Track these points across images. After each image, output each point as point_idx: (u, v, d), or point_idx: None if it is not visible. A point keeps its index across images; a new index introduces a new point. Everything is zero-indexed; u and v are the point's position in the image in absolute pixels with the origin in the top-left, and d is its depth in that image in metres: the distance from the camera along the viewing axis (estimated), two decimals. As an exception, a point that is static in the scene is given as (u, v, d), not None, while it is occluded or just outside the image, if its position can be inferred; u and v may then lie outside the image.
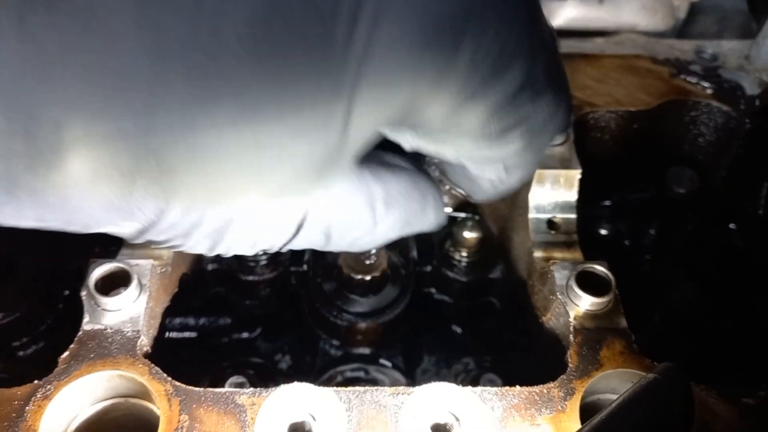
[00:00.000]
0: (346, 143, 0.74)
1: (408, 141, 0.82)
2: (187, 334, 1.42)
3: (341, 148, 0.74)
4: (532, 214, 1.19)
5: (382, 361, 1.34)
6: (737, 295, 1.29)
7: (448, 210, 1.42)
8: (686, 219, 1.40)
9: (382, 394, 0.92)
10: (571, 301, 1.02)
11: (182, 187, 0.70)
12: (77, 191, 0.67)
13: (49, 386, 0.90)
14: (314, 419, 0.89)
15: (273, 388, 0.91)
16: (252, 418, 0.89)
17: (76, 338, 0.94)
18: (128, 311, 0.98)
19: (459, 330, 1.42)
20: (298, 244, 0.87)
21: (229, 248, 0.82)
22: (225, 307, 1.40)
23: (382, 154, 0.90)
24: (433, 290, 1.40)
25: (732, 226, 1.39)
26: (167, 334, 1.37)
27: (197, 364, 1.34)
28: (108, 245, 1.33)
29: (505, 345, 1.35)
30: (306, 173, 0.75)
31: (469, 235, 1.33)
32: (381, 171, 0.88)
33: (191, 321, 1.43)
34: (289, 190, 0.77)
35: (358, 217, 0.87)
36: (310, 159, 0.73)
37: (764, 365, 1.19)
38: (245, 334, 1.43)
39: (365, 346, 1.35)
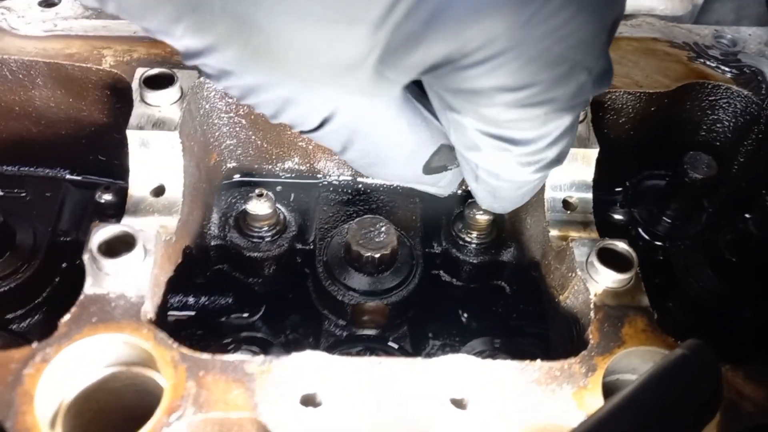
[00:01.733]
0: (389, 56, 0.72)
1: (440, 94, 0.80)
2: (187, 313, 1.38)
3: (385, 61, 0.73)
4: (548, 193, 1.15)
5: (390, 343, 1.30)
6: (755, 282, 1.25)
7: (459, 190, 1.39)
8: (702, 206, 1.37)
9: (399, 364, 0.88)
10: (591, 277, 0.99)
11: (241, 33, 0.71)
12: None
13: (48, 349, 0.85)
14: (327, 389, 0.86)
15: (283, 357, 0.87)
16: (261, 387, 0.85)
17: (77, 302, 0.90)
18: (132, 276, 0.93)
19: (467, 313, 1.38)
20: (319, 137, 0.87)
21: (257, 103, 0.82)
22: (228, 285, 1.36)
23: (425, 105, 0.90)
24: (441, 272, 1.37)
25: (747, 215, 1.36)
26: (168, 313, 1.33)
27: (198, 342, 1.30)
28: (107, 218, 1.30)
29: (515, 328, 1.32)
30: (339, 71, 0.75)
31: (481, 216, 1.29)
32: (419, 113, 0.89)
33: (191, 300, 1.38)
34: (323, 78, 0.77)
35: (384, 136, 0.88)
36: (347, 60, 0.73)
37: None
38: (247, 314, 1.39)
39: (371, 328, 1.31)
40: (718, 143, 1.36)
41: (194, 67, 1.17)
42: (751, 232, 1.32)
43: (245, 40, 0.71)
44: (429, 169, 0.97)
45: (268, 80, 0.78)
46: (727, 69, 1.32)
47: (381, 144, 0.90)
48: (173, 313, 1.36)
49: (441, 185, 1.02)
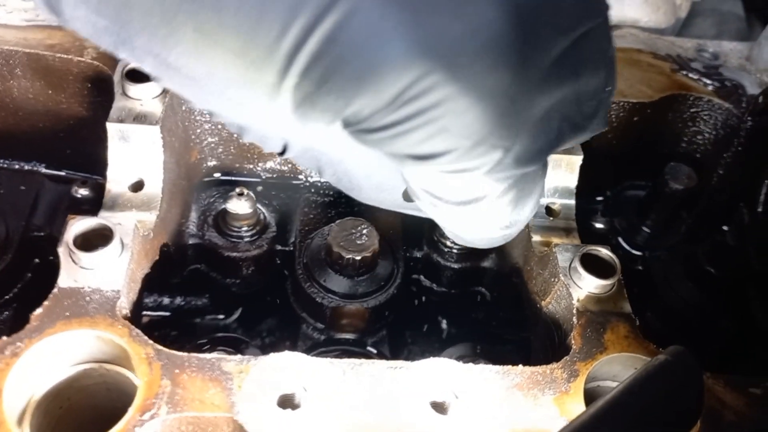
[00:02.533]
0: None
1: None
2: (162, 314, 1.35)
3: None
4: (531, 199, 1.15)
5: (369, 348, 1.29)
6: (733, 294, 1.26)
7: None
8: (681, 217, 1.38)
9: (379, 367, 0.87)
10: (575, 283, 0.99)
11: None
12: None
13: (19, 343, 0.83)
14: (305, 390, 0.84)
15: (263, 356, 0.85)
16: (239, 387, 0.83)
17: (50, 295, 0.88)
18: (108, 270, 0.91)
19: (447, 319, 1.37)
20: (291, 160, 0.86)
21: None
22: (204, 285, 1.33)
23: None
24: (421, 277, 1.36)
25: (725, 227, 1.38)
26: (142, 312, 1.30)
27: (172, 343, 1.28)
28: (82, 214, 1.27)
29: (495, 335, 1.31)
30: (269, 110, 0.69)
31: (463, 221, 1.29)
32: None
33: (166, 300, 1.36)
34: (256, 112, 0.71)
35: (351, 166, 0.84)
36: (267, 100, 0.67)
37: (760, 365, 1.17)
38: (223, 316, 1.36)
39: (350, 332, 1.29)
40: (698, 155, 1.38)
41: None
42: (729, 244, 1.34)
43: (174, 78, 0.68)
44: (408, 197, 0.94)
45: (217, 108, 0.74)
46: (709, 81, 1.33)
47: (351, 172, 0.86)
48: (147, 313, 1.33)
49: (423, 209, 0.98)
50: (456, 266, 1.32)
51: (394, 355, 1.30)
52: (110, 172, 1.07)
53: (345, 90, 0.63)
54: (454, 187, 0.73)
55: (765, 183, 1.22)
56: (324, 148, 0.82)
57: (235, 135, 0.80)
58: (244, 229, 1.27)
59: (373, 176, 0.87)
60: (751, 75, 1.35)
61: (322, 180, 0.93)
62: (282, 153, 0.82)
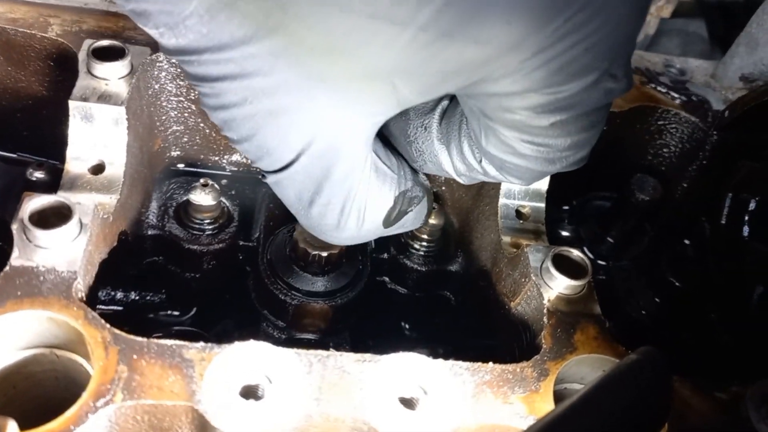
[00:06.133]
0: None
1: (470, 100, 0.82)
2: (114, 308, 1.29)
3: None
4: (502, 201, 1.14)
5: (330, 349, 1.25)
6: (693, 305, 1.28)
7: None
8: (645, 228, 1.40)
9: (347, 359, 0.84)
10: (546, 283, 0.98)
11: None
12: None
13: (-36, 323, 0.78)
14: (270, 382, 0.81)
15: (226, 345, 0.82)
16: (200, 375, 0.79)
17: (1, 273, 0.83)
18: (65, 250, 0.87)
19: (410, 322, 1.35)
20: (290, 175, 0.86)
21: (249, 113, 0.80)
22: (161, 279, 1.28)
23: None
24: (387, 279, 1.33)
25: (686, 241, 1.40)
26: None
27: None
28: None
29: (459, 337, 1.29)
30: (364, 77, 0.76)
31: (430, 221, 1.27)
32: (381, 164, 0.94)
33: (120, 294, 1.30)
34: (344, 84, 0.78)
35: (354, 180, 0.88)
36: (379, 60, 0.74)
37: (719, 373, 1.18)
38: (179, 312, 1.32)
39: (312, 332, 1.26)
40: (663, 167, 1.39)
41: (147, 44, 1.13)
42: (689, 256, 1.36)
43: (284, 31, 0.71)
44: (389, 222, 0.97)
45: (282, 80, 0.77)
46: (676, 95, 1.36)
47: (349, 193, 0.89)
48: (100, 307, 1.27)
49: (407, 227, 1.02)
50: (422, 269, 1.30)
51: (356, 356, 1.28)
52: (70, 152, 1.02)
53: (484, 28, 0.70)
54: (559, 126, 0.79)
55: (728, 196, 1.24)
56: (343, 150, 0.85)
57: (250, 127, 0.83)
58: (207, 221, 1.24)
59: (372, 190, 0.93)
60: (716, 92, 1.38)
61: (306, 223, 0.96)
62: (291, 163, 0.85)
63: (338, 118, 0.81)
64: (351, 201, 0.89)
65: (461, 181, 0.98)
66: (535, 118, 0.78)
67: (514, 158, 0.85)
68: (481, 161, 0.91)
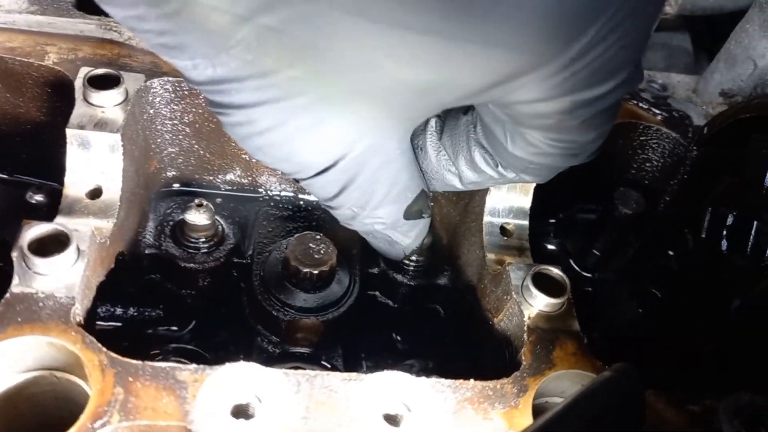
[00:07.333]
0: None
1: (498, 108, 0.86)
2: (114, 324, 1.33)
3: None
4: (486, 218, 1.18)
5: (323, 362, 1.29)
6: (676, 316, 1.31)
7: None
8: (629, 241, 1.43)
9: (333, 379, 0.88)
10: (526, 301, 1.02)
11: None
12: None
13: (-33, 348, 0.81)
14: (260, 401, 0.84)
15: (217, 366, 0.86)
16: (193, 396, 0.83)
17: (2, 300, 0.86)
18: (63, 277, 0.90)
19: (401, 335, 1.39)
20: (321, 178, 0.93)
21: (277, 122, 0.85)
22: (159, 296, 1.32)
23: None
24: (377, 293, 1.37)
25: (670, 252, 1.43)
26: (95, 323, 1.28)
27: (124, 354, 1.26)
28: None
29: (448, 351, 1.33)
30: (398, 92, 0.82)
31: (420, 238, 1.31)
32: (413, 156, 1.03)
33: (119, 310, 1.34)
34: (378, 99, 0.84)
35: (387, 171, 0.96)
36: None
37: (700, 385, 1.21)
38: (177, 327, 1.35)
39: (304, 346, 1.30)
40: (646, 181, 1.43)
41: (142, 71, 1.17)
42: (673, 268, 1.39)
43: (322, 49, 0.75)
44: (409, 213, 1.03)
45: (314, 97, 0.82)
46: (658, 111, 1.39)
47: (381, 179, 0.96)
48: (99, 323, 1.31)
49: (411, 235, 1.07)
50: (412, 283, 1.34)
51: (348, 369, 1.31)
52: (68, 178, 1.06)
53: (513, 41, 0.74)
54: (587, 124, 0.84)
55: (708, 210, 1.27)
56: (385, 145, 0.94)
57: (280, 138, 0.90)
58: (202, 240, 1.27)
59: (399, 181, 1.01)
60: (698, 107, 1.41)
61: (333, 205, 1.06)
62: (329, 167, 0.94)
63: (374, 123, 0.87)
64: (380, 184, 0.97)
65: (466, 189, 1.03)
66: (567, 119, 0.81)
67: (541, 158, 0.89)
68: (497, 166, 0.95)
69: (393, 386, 0.88)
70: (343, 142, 0.89)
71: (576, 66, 0.73)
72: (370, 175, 0.95)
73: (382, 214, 1.02)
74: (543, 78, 0.75)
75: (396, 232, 1.08)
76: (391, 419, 0.86)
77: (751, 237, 1.17)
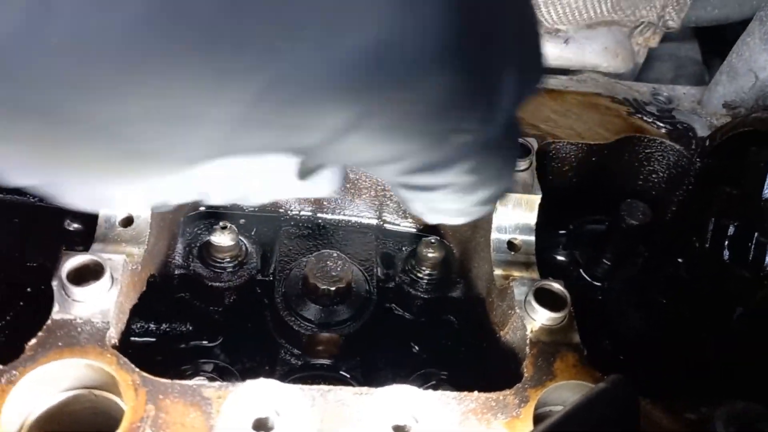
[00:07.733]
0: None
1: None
2: (148, 339, 1.42)
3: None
4: (494, 235, 1.24)
5: (343, 373, 1.36)
6: (685, 324, 1.35)
7: (413, 229, 1.48)
8: (638, 250, 1.47)
9: (346, 393, 0.95)
10: (529, 315, 1.07)
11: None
12: None
13: (14, 371, 0.90)
14: (278, 415, 0.92)
15: (239, 383, 0.93)
16: (217, 411, 0.91)
17: (44, 326, 0.95)
18: (99, 303, 0.99)
19: (418, 345, 1.45)
20: None
21: None
22: (188, 313, 1.41)
23: None
24: (394, 305, 1.44)
25: (679, 260, 1.47)
26: (130, 338, 1.37)
27: (156, 367, 1.35)
28: (74, 246, 1.35)
29: (461, 361, 1.39)
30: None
31: (431, 254, 1.37)
32: None
33: (152, 326, 1.43)
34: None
35: None
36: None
37: (707, 391, 1.25)
38: (206, 342, 1.44)
39: (325, 358, 1.37)
40: (653, 192, 1.47)
41: None
42: (682, 277, 1.43)
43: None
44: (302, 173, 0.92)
45: None
46: (662, 124, 1.43)
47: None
48: (134, 339, 1.40)
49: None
50: (426, 296, 1.40)
51: (367, 379, 1.38)
52: (102, 209, 1.15)
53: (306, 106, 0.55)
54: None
55: (711, 221, 1.32)
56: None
57: None
58: (227, 260, 1.36)
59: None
60: (702, 118, 1.45)
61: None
62: None
63: None
64: None
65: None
66: (417, 179, 0.67)
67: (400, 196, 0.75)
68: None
69: (401, 399, 0.95)
70: None
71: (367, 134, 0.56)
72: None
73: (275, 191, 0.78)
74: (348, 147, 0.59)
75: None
76: (400, 430, 0.93)
77: (752, 247, 1.21)
